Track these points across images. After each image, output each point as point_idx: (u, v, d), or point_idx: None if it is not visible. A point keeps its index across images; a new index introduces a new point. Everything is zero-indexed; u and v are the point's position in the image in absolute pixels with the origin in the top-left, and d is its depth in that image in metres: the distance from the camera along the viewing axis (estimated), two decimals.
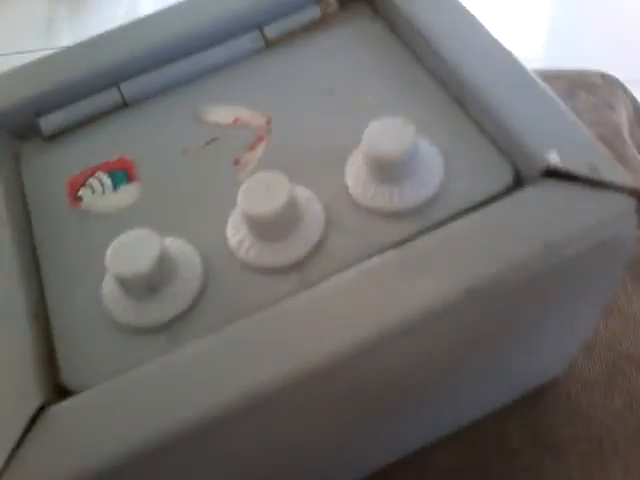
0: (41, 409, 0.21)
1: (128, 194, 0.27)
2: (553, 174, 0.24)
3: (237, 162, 0.27)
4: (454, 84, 0.27)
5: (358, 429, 0.27)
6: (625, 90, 0.48)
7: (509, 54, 0.27)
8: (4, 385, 0.21)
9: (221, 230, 0.25)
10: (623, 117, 0.46)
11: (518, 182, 0.25)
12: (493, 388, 0.31)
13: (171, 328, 0.23)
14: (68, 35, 1.54)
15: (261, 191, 0.23)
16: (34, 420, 0.21)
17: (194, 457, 0.22)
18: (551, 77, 0.51)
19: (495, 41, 0.28)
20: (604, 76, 0.48)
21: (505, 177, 0.25)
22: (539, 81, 0.27)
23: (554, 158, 0.24)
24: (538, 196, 0.24)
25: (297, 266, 0.24)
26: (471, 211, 0.24)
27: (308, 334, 0.21)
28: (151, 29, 0.30)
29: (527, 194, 0.24)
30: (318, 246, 0.24)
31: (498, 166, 0.25)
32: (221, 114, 0.29)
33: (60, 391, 0.22)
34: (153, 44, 0.30)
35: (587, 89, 0.50)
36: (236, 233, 0.24)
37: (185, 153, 0.28)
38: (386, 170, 0.24)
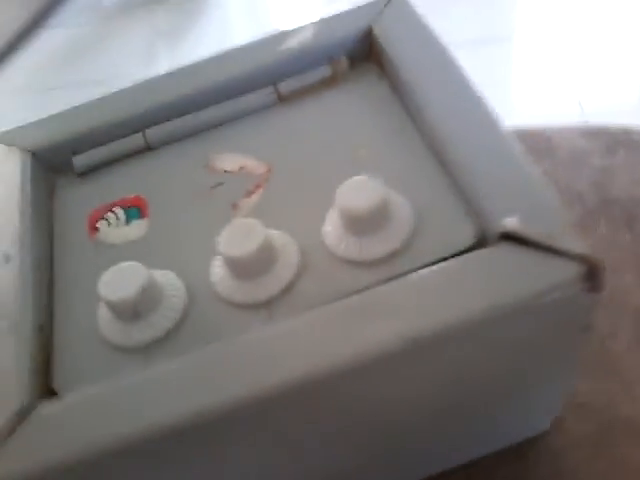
0: (32, 406, 0.25)
1: (138, 229, 0.31)
2: (511, 238, 0.26)
3: (235, 207, 0.31)
4: (437, 147, 0.30)
5: (314, 461, 0.29)
6: None
7: (493, 122, 0.30)
8: (3, 383, 0.26)
9: (208, 267, 0.29)
10: None
11: (482, 242, 0.27)
12: (464, 436, 0.33)
13: (149, 350, 0.27)
14: (166, 64, 1.67)
15: (239, 235, 0.27)
16: (25, 414, 0.25)
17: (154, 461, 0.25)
18: (594, 133, 0.52)
19: (484, 108, 0.30)
20: None
21: (469, 237, 0.27)
22: (518, 149, 0.29)
23: (511, 223, 0.26)
24: (493, 258, 0.26)
25: (267, 304, 0.27)
26: (433, 266, 0.26)
27: (260, 365, 0.24)
28: (176, 82, 0.35)
29: (484, 255, 0.26)
30: (289, 287, 0.27)
31: (464, 226, 0.27)
32: (229, 161, 0.33)
33: (52, 394, 0.26)
34: (177, 96, 0.34)
35: (628, 147, 0.50)
36: (218, 271, 0.28)
37: (192, 195, 0.32)
38: (356, 223, 0.27)
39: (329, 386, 0.25)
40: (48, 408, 0.25)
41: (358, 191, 0.27)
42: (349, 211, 0.27)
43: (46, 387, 0.26)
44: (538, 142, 0.54)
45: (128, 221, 0.32)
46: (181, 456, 0.25)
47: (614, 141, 0.51)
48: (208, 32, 1.75)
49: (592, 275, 0.25)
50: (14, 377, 0.26)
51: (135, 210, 0.32)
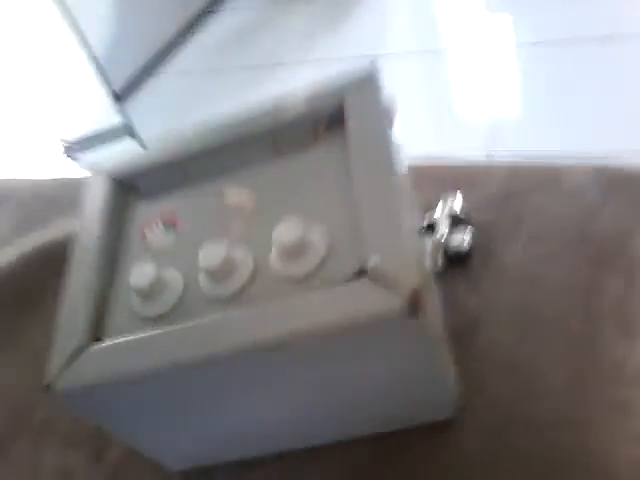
0: (86, 345, 0.43)
1: (170, 237, 0.48)
2: (370, 274, 0.38)
3: (229, 229, 0.46)
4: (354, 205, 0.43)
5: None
6: None
7: (396, 190, 0.42)
8: (70, 329, 0.44)
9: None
10: None
11: (361, 273, 0.40)
12: (367, 411, 0.46)
13: (156, 321, 0.43)
14: (322, 52, 1.82)
15: (212, 253, 0.42)
16: (81, 350, 0.42)
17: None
18: (600, 171, 0.60)
19: (394, 179, 0.42)
20: None
21: (353, 268, 0.40)
22: (400, 208, 0.41)
23: (371, 263, 0.38)
24: (354, 288, 0.39)
25: (228, 301, 0.42)
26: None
27: (213, 337, 0.40)
28: (210, 134, 0.50)
29: (350, 285, 0.39)
30: (242, 290, 0.42)
31: (351, 260, 0.40)
32: (234, 195, 0.48)
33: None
34: (206, 145, 0.50)
35: (626, 189, 0.58)
36: (202, 275, 0.44)
37: (208, 218, 0.48)
38: (283, 251, 0.41)
39: (253, 359, 0.40)
40: (96, 348, 0.43)
41: (287, 229, 0.41)
42: (279, 243, 0.41)
43: (97, 336, 0.44)
44: (546, 175, 0.63)
45: (166, 231, 0.48)
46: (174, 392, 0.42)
47: (615, 182, 0.59)
48: (364, 22, 1.87)
49: (411, 306, 0.37)
50: (79, 327, 0.44)
51: (170, 224, 0.48)
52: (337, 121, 0.48)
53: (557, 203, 0.61)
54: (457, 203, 0.62)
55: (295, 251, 0.41)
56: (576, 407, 0.48)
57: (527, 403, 0.48)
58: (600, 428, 0.46)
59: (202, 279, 0.44)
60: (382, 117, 0.46)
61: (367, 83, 0.48)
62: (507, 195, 0.65)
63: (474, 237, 0.60)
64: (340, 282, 0.40)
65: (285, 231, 0.41)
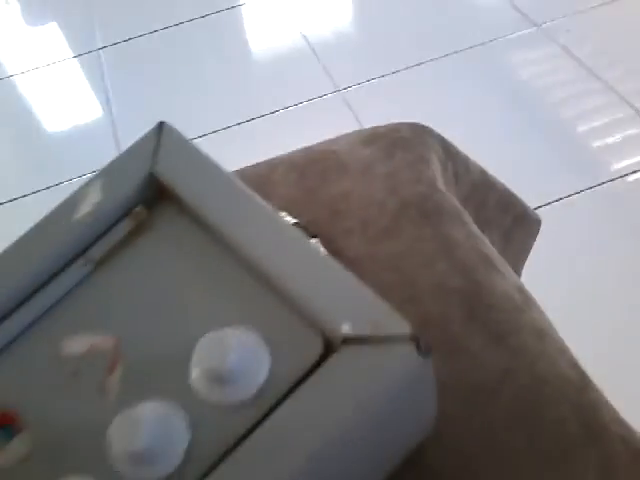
0: None
1: (20, 445, 0.33)
2: (350, 341, 0.31)
3: (103, 388, 0.33)
4: (265, 277, 0.34)
5: None
6: (432, 134, 0.55)
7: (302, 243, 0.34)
8: None
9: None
10: (436, 164, 0.53)
11: (329, 347, 0.32)
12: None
13: None
14: None
15: (126, 430, 0.30)
16: None
17: None
18: (371, 139, 0.57)
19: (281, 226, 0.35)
20: (412, 126, 0.55)
21: (316, 347, 0.32)
22: (323, 256, 0.33)
23: (345, 329, 0.31)
24: (341, 363, 0.31)
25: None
26: (295, 387, 0.31)
27: None
28: None
29: (332, 364, 0.31)
30: (189, 449, 0.31)
31: (309, 339, 0.32)
32: (76, 345, 0.35)
33: None
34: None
35: (402, 147, 0.56)
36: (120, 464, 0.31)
37: (57, 390, 0.34)
38: (218, 377, 0.31)
39: None
40: None
41: (213, 350, 0.31)
42: (212, 370, 0.31)
43: None
44: (330, 161, 0.58)
45: (6, 442, 0.33)
46: None
47: (390, 144, 0.57)
48: None
49: (421, 345, 0.30)
50: None
51: (7, 429, 0.33)
52: (154, 196, 0.38)
53: (357, 184, 0.58)
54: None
55: (234, 370, 0.31)
56: None
57: (473, 375, 0.45)
58: None
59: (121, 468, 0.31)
60: (215, 170, 0.37)
61: (169, 141, 0.38)
62: None
63: None
64: (311, 366, 0.31)
65: (215, 352, 0.31)
